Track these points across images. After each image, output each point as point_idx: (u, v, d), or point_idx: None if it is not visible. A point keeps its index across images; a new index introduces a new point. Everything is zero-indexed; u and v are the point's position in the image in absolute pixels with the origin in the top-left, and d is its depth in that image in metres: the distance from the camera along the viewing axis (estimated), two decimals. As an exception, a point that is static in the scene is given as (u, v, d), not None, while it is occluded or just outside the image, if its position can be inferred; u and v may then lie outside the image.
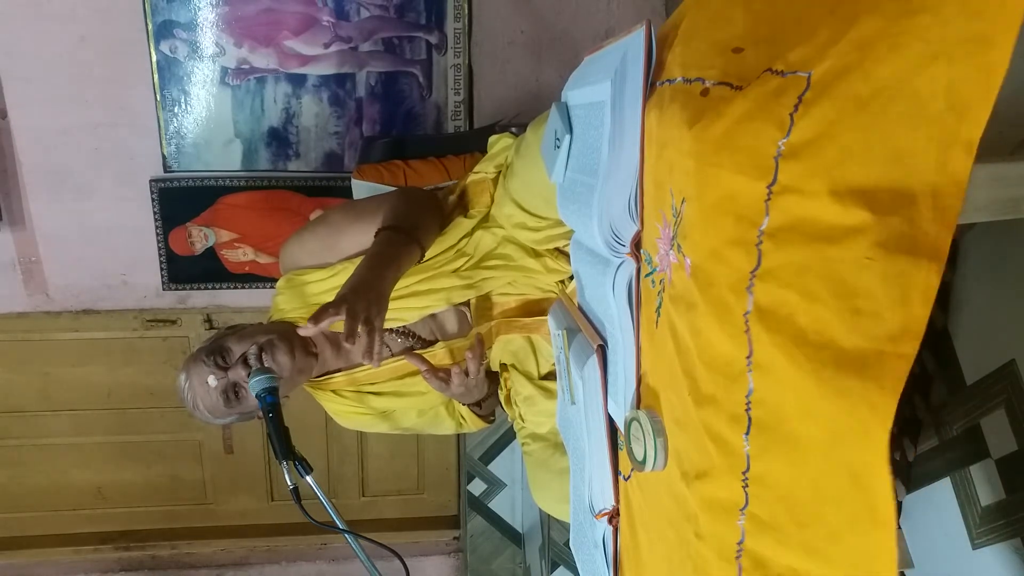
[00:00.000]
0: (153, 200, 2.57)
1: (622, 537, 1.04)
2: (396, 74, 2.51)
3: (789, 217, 0.61)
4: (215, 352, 1.29)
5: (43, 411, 2.98)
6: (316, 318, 1.09)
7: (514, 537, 3.08)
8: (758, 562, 0.69)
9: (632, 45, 0.83)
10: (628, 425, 0.89)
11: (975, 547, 1.21)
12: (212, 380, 1.28)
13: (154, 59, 2.41)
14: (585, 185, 0.93)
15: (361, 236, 1.30)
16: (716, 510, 0.73)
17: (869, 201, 0.56)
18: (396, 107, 2.54)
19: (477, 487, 3.02)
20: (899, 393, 0.53)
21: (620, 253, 0.91)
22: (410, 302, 1.35)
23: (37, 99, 2.43)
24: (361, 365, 1.40)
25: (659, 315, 0.82)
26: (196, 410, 1.32)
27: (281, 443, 1.21)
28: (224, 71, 2.45)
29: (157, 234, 2.61)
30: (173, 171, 2.54)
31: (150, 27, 2.37)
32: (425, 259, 1.34)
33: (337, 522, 1.21)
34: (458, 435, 3.00)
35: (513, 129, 1.58)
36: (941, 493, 1.27)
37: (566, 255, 1.27)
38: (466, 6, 2.46)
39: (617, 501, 1.03)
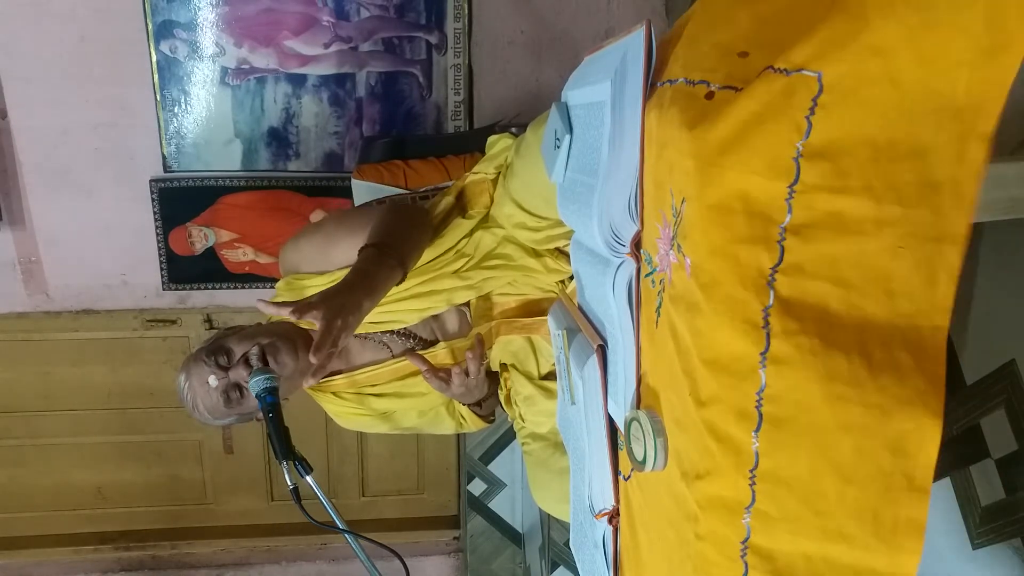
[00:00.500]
0: (153, 200, 2.57)
1: (622, 537, 1.04)
2: (396, 74, 2.51)
3: (816, 213, 0.63)
4: (216, 352, 1.29)
5: (43, 411, 2.98)
6: (300, 311, 1.10)
7: (514, 537, 3.09)
8: (765, 557, 0.70)
9: (632, 45, 0.83)
10: (628, 425, 0.89)
11: (975, 547, 1.21)
12: (213, 380, 1.28)
13: (154, 59, 2.41)
14: (585, 185, 0.93)
15: (352, 250, 1.28)
16: (719, 509, 0.73)
17: (899, 195, 0.60)
18: (396, 107, 2.54)
19: (477, 487, 3.02)
20: (944, 361, 0.60)
21: (620, 253, 0.91)
22: (411, 304, 1.35)
23: (37, 99, 2.43)
24: (362, 367, 1.41)
25: (659, 315, 0.82)
26: (195, 411, 1.32)
27: (281, 443, 1.21)
28: (224, 71, 2.45)
29: (157, 234, 2.61)
30: (173, 171, 2.54)
31: (150, 27, 2.37)
32: (425, 261, 1.34)
33: (337, 522, 1.21)
34: (458, 435, 3.00)
35: (513, 129, 1.58)
36: (941, 493, 1.27)
37: (566, 255, 1.27)
38: (466, 6, 2.46)
39: (617, 501, 1.03)
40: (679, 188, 0.74)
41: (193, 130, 2.50)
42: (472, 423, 1.50)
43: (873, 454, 0.62)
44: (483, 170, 1.42)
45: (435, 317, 1.40)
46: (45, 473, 3.09)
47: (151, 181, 2.55)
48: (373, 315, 1.29)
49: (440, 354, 1.39)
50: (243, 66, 2.45)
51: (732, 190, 0.67)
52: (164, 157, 2.52)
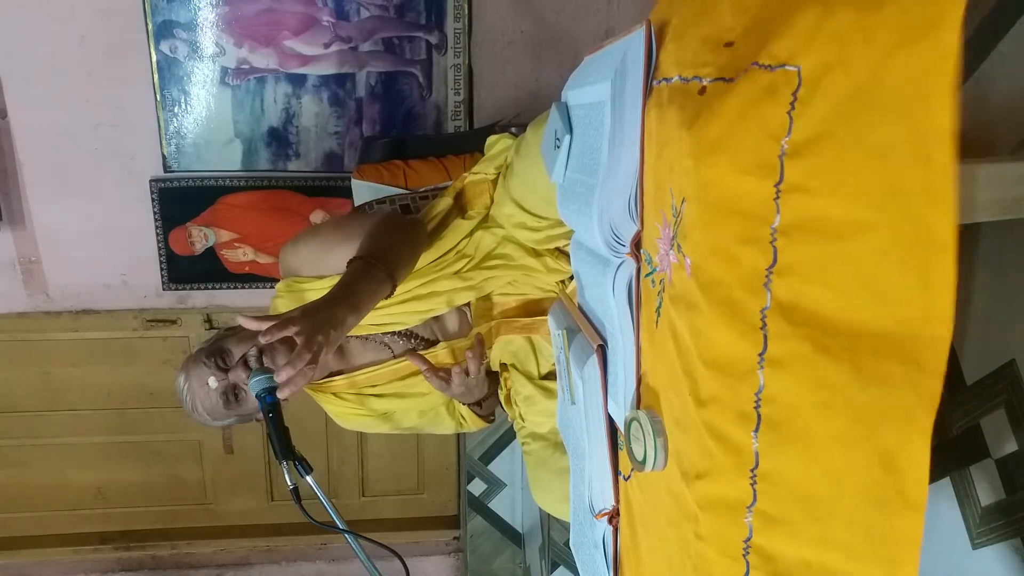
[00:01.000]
0: (153, 200, 2.57)
1: (622, 537, 1.04)
2: (396, 74, 2.51)
3: (801, 214, 0.61)
4: (215, 353, 1.29)
5: (43, 411, 2.98)
6: (280, 327, 1.07)
7: (514, 537, 3.09)
8: (767, 558, 0.69)
9: (632, 45, 0.83)
10: (628, 425, 0.89)
11: (975, 547, 1.21)
12: (212, 381, 1.28)
13: (154, 59, 2.41)
14: (585, 185, 0.93)
15: (348, 257, 1.26)
16: (719, 509, 0.73)
17: (868, 198, 0.57)
18: (396, 107, 2.54)
19: (477, 487, 3.02)
20: (942, 374, 0.54)
21: (620, 253, 0.91)
22: (413, 306, 1.35)
23: (37, 99, 2.43)
24: (362, 368, 1.41)
25: (659, 315, 0.82)
26: (195, 412, 1.32)
27: (281, 443, 1.21)
28: (224, 71, 2.45)
29: (157, 234, 2.61)
30: (173, 171, 2.54)
31: (150, 27, 2.37)
32: (426, 263, 1.34)
33: (337, 522, 1.21)
34: (458, 435, 3.00)
35: (513, 129, 1.58)
36: (941, 493, 1.27)
37: (566, 255, 1.27)
38: (466, 6, 2.47)
39: (617, 501, 1.03)
40: (679, 188, 0.74)
41: (193, 130, 2.50)
42: (472, 423, 1.50)
43: (863, 466, 0.60)
44: (483, 170, 1.42)
45: (435, 317, 1.40)
46: (45, 473, 3.09)
47: (151, 181, 2.55)
48: (374, 317, 1.29)
49: (440, 354, 1.39)
50: (243, 66, 2.45)
51: (729, 190, 0.67)
52: (164, 157, 2.52)
